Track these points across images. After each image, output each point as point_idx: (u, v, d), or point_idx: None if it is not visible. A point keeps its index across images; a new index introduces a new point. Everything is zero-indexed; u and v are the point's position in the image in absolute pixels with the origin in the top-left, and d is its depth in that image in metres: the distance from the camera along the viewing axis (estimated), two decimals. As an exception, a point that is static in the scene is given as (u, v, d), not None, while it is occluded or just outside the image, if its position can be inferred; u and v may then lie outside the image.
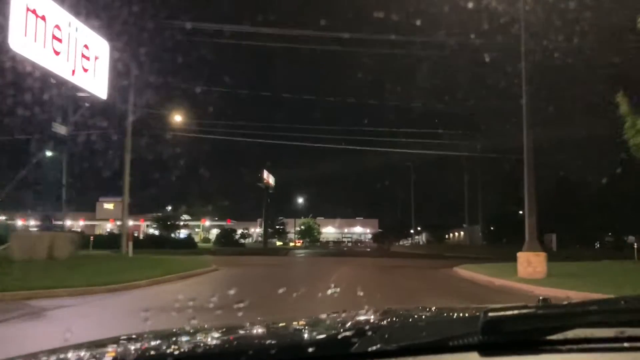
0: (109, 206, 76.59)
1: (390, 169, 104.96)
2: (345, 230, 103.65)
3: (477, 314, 1.07)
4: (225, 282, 13.02)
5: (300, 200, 73.84)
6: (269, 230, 66.18)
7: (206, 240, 67.93)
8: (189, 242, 49.07)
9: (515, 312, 1.06)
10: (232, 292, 7.53)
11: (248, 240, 73.95)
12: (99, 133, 24.99)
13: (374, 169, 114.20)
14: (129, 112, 22.43)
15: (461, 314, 1.46)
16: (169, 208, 73.07)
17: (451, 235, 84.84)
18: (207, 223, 69.26)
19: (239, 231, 78.16)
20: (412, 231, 79.49)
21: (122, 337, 1.30)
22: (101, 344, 1.26)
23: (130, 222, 72.71)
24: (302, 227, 77.27)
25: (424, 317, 1.47)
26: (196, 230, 79.36)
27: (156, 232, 56.55)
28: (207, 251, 42.27)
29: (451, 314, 1.54)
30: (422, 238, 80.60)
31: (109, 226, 73.06)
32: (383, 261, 28.66)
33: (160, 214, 56.58)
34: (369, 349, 1.01)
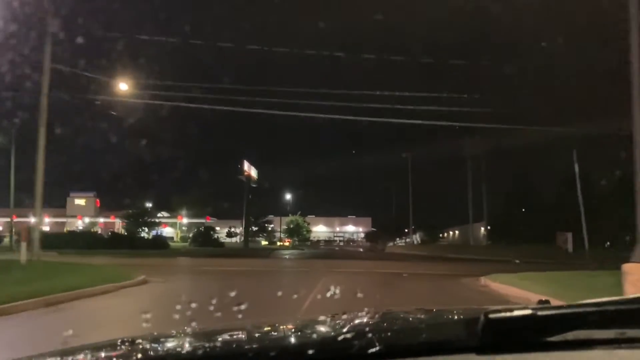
0: (80, 202, 70.10)
1: (385, 165, 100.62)
2: (337, 229, 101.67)
3: (477, 315, 1.06)
4: (109, 322, 7.46)
5: (288, 196, 68.08)
6: (253, 228, 60.56)
7: (185, 239, 62.27)
8: (158, 242, 43.51)
9: (515, 313, 1.06)
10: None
11: (235, 240, 68.36)
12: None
13: (368, 165, 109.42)
14: (46, 69, 16.81)
15: (461, 316, 1.43)
16: (149, 205, 67.53)
17: (445, 234, 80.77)
18: (185, 220, 63.22)
19: (226, 229, 72.58)
20: (407, 230, 74.93)
21: (121, 340, 1.29)
22: (100, 346, 1.27)
23: (101, 219, 67.16)
24: (291, 225, 71.48)
25: (423, 318, 1.45)
26: (183, 228, 73.54)
27: (128, 231, 50.68)
28: (177, 252, 37.02)
29: (451, 315, 1.50)
30: (416, 237, 75.91)
31: (79, 223, 66.54)
32: (380, 265, 23.37)
33: (130, 211, 50.71)
34: (369, 351, 1.01)
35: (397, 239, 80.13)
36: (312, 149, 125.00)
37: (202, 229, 49.44)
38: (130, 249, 35.95)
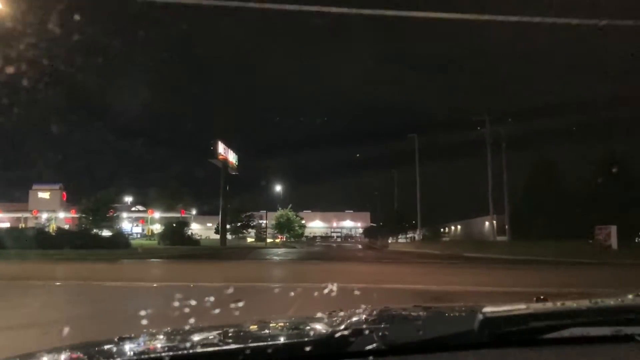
0: (44, 195, 62.74)
1: (385, 158, 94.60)
2: (334, 225, 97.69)
3: (475, 312, 1.08)
4: None
5: (278, 188, 60.67)
6: (237, 224, 53.18)
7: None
8: (118, 240, 36.11)
9: (512, 310, 1.08)
10: None
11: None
12: None
13: (366, 159, 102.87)
14: None
15: (458, 313, 1.44)
16: (127, 199, 60.18)
17: (446, 229, 78.23)
18: (157, 215, 55.77)
19: (208, 224, 65.41)
20: (408, 225, 68.50)
21: (119, 338, 1.30)
22: (98, 344, 1.27)
23: (61, 214, 59.33)
24: (281, 219, 64.11)
25: (421, 315, 1.44)
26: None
27: (85, 226, 43.19)
28: (132, 252, 29.85)
29: (448, 313, 1.50)
30: (417, 233, 69.76)
31: (44, 217, 58.41)
32: (393, 274, 16.03)
33: (90, 204, 43.19)
34: (366, 348, 1.01)
35: (399, 234, 73.98)
36: (309, 142, 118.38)
37: (173, 224, 41.88)
38: (79, 248, 28.98)
